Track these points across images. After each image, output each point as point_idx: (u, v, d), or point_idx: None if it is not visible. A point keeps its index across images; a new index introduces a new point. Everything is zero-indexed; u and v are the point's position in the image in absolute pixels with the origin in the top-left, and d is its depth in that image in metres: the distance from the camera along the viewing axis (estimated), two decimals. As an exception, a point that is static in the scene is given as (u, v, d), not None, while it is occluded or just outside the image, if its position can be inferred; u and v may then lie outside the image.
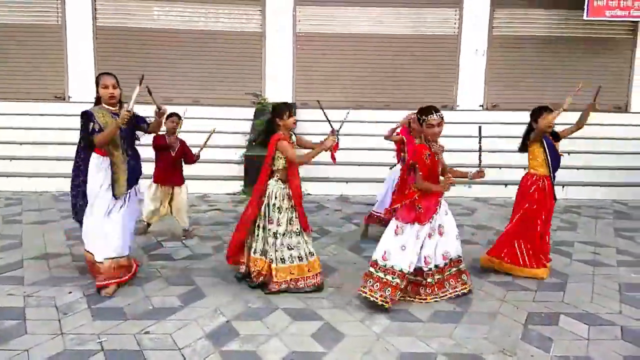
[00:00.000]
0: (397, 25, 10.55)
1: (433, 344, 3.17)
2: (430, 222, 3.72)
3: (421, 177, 3.64)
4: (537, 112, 4.26)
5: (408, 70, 10.64)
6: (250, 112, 9.73)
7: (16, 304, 3.59)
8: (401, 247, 3.66)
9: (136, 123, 4.09)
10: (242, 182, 8.09)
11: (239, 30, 10.55)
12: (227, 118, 9.62)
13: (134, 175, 4.04)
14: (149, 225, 5.49)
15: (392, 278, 3.62)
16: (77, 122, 3.79)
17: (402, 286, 3.64)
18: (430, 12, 10.51)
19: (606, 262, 4.89)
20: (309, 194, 8.00)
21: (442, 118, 3.63)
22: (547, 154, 4.28)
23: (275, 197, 3.89)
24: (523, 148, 4.47)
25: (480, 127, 3.88)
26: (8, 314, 3.44)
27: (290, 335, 3.25)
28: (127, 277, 4.00)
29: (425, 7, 10.48)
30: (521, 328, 3.40)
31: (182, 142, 5.38)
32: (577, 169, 8.36)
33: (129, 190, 4.00)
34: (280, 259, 3.89)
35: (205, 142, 5.32)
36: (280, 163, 3.92)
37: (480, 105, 10.74)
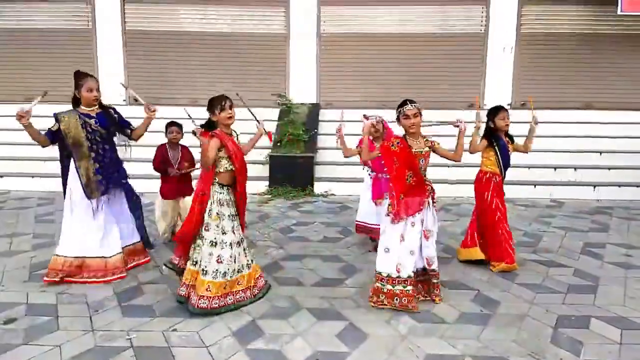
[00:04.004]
0: (422, 24, 10.44)
1: (459, 345, 3.13)
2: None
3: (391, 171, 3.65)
4: (494, 112, 4.40)
5: (434, 69, 10.52)
6: (275, 113, 9.78)
7: (49, 301, 3.71)
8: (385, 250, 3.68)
9: (120, 126, 4.19)
10: (267, 182, 8.15)
11: (263, 32, 10.62)
12: (251, 119, 9.68)
13: (110, 180, 4.12)
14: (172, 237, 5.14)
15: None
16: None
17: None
18: (456, 10, 10.36)
19: (639, 264, 4.75)
20: (332, 194, 8.01)
21: (418, 109, 3.57)
22: (499, 154, 4.40)
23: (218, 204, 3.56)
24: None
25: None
26: (41, 311, 3.55)
27: (315, 334, 3.27)
28: (99, 280, 4.05)
29: (451, 5, 10.34)
30: (551, 331, 3.33)
31: (184, 150, 5.07)
32: (609, 169, 8.11)
33: (110, 192, 4.16)
34: (213, 271, 3.49)
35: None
36: (222, 165, 3.58)
37: (508, 104, 10.52)
